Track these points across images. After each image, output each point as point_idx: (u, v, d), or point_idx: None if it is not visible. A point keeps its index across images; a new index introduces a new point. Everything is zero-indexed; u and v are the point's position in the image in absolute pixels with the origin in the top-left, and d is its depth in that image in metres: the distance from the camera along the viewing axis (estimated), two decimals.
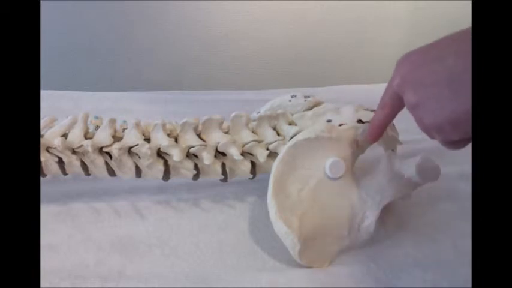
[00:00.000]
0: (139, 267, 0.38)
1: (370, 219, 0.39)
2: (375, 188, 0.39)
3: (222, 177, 0.44)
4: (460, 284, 0.37)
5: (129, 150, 0.42)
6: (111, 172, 0.44)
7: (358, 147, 0.41)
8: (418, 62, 0.30)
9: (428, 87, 0.29)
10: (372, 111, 0.44)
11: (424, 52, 0.31)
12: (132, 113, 0.64)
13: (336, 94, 0.79)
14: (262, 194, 0.40)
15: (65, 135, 0.42)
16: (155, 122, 0.42)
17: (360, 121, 0.42)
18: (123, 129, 0.43)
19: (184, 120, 0.42)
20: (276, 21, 0.98)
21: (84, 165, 0.43)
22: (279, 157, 0.40)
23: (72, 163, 0.43)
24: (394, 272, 0.38)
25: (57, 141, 0.40)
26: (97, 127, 0.43)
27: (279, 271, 0.38)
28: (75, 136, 0.42)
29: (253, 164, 0.44)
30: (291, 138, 0.42)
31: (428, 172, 0.37)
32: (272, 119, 0.45)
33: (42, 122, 0.43)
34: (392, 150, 0.45)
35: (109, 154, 0.42)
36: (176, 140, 0.42)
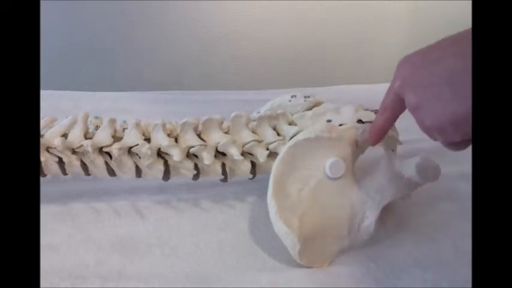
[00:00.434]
0: (139, 267, 0.38)
1: (370, 219, 0.39)
2: (375, 188, 0.39)
3: (222, 177, 0.44)
4: (460, 284, 0.37)
5: (129, 150, 0.42)
6: (111, 172, 0.44)
7: (358, 147, 0.41)
8: (418, 63, 0.30)
9: (429, 89, 0.29)
10: (372, 111, 0.44)
11: (424, 54, 0.31)
12: (132, 113, 0.64)
13: (336, 94, 0.79)
14: (262, 194, 0.40)
15: (65, 135, 0.42)
16: (155, 122, 0.42)
17: (360, 121, 0.42)
18: (123, 129, 0.43)
19: (184, 120, 0.42)
20: (276, 21, 0.98)
21: (84, 165, 0.43)
22: (279, 157, 0.40)
23: (72, 163, 0.43)
24: (394, 272, 0.38)
25: (57, 141, 0.40)
26: (97, 127, 0.43)
27: (279, 271, 0.38)
28: (75, 136, 0.42)
29: (253, 164, 0.44)
30: (291, 138, 0.42)
31: (428, 172, 0.37)
32: (272, 119, 0.45)
33: (42, 122, 0.43)
34: (392, 150, 0.45)
35: (109, 154, 0.42)
36: (176, 140, 0.42)
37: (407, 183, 0.38)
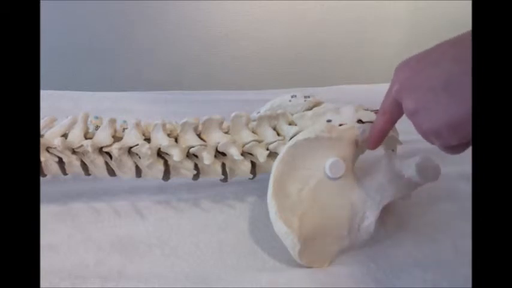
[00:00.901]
0: (139, 267, 0.38)
1: (370, 219, 0.39)
2: (375, 188, 0.39)
3: (222, 177, 0.44)
4: (460, 284, 0.37)
5: (129, 150, 0.42)
6: (111, 172, 0.44)
7: (358, 147, 0.41)
8: (415, 68, 0.31)
9: (426, 93, 0.29)
10: (372, 111, 0.44)
11: (421, 58, 0.31)
12: (132, 113, 0.64)
13: (336, 94, 0.79)
14: (262, 194, 0.40)
15: (65, 135, 0.42)
16: (155, 122, 0.42)
17: (360, 121, 0.42)
18: (123, 129, 0.43)
19: (184, 120, 0.42)
20: (276, 21, 0.98)
21: (84, 165, 0.43)
22: (279, 157, 0.40)
23: (72, 163, 0.43)
24: (394, 272, 0.38)
25: (57, 141, 0.40)
26: (97, 127, 0.43)
27: (279, 271, 0.38)
28: (75, 136, 0.42)
29: (253, 164, 0.44)
30: (291, 138, 0.42)
31: (428, 172, 0.37)
32: (272, 119, 0.45)
33: (42, 122, 0.43)
34: (392, 150, 0.45)
35: (109, 154, 0.42)
36: (176, 140, 0.42)
37: (407, 183, 0.38)
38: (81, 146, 0.41)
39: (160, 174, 0.43)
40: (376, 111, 0.43)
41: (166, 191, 0.48)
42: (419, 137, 0.33)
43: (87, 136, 0.42)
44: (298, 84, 0.87)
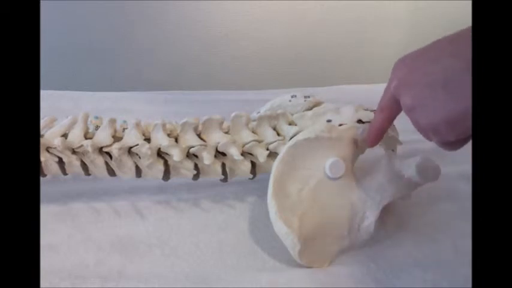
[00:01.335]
0: (139, 267, 0.38)
1: (370, 219, 0.39)
2: (375, 188, 0.39)
3: (222, 177, 0.44)
4: (460, 284, 0.37)
5: (129, 150, 0.42)
6: (111, 172, 0.44)
7: (358, 147, 0.41)
8: (413, 64, 0.31)
9: (424, 89, 0.29)
10: (372, 111, 0.44)
11: (419, 55, 0.31)
12: (132, 113, 0.64)
13: (336, 94, 0.79)
14: (262, 194, 0.40)
15: (65, 135, 0.42)
16: (155, 122, 0.42)
17: (360, 121, 0.42)
18: (123, 129, 0.43)
19: (184, 120, 0.42)
20: (276, 21, 0.98)
21: (84, 165, 0.43)
22: (279, 157, 0.40)
23: (72, 163, 0.43)
24: (394, 272, 0.38)
25: (57, 141, 0.40)
26: (97, 127, 0.43)
27: (279, 271, 0.38)
28: (75, 136, 0.42)
29: (253, 164, 0.44)
30: (291, 138, 0.42)
31: (428, 172, 0.37)
32: (272, 119, 0.45)
33: (42, 122, 0.43)
34: (392, 150, 0.45)
35: (109, 154, 0.42)
36: (176, 140, 0.42)
37: (407, 183, 0.38)
38: (81, 146, 0.41)
39: (160, 174, 0.43)
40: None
41: (166, 191, 0.48)
42: (419, 137, 0.33)
43: (87, 136, 0.42)
44: (298, 84, 0.87)
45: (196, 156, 0.43)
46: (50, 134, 0.42)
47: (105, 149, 0.42)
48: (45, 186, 0.46)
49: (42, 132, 0.42)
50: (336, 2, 0.98)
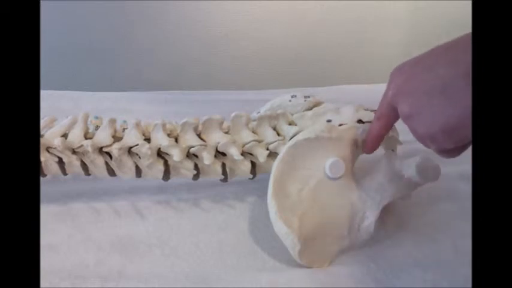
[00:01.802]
0: (139, 267, 0.38)
1: (370, 219, 0.39)
2: (375, 188, 0.39)
3: (222, 177, 0.44)
4: (460, 284, 0.37)
5: (129, 150, 0.42)
6: (111, 172, 0.44)
7: (358, 147, 0.41)
8: (410, 72, 0.31)
9: (421, 97, 0.29)
10: (372, 111, 0.44)
11: (416, 62, 0.31)
12: (132, 113, 0.64)
13: (336, 94, 0.79)
14: (262, 194, 0.40)
15: (65, 135, 0.42)
16: (155, 122, 0.42)
17: (360, 121, 0.42)
18: (123, 129, 0.43)
19: (184, 120, 0.42)
20: (276, 21, 0.98)
21: (84, 165, 0.43)
22: (279, 157, 0.40)
23: (72, 163, 0.43)
24: (394, 272, 0.38)
25: (57, 141, 0.40)
26: (97, 127, 0.43)
27: (279, 271, 0.38)
28: (75, 136, 0.42)
29: (253, 164, 0.44)
30: (291, 138, 0.42)
31: (428, 172, 0.37)
32: (272, 119, 0.45)
33: (42, 122, 0.43)
34: (392, 150, 0.45)
35: (109, 154, 0.42)
36: (176, 140, 0.42)
37: (407, 183, 0.38)
38: (81, 146, 0.41)
39: (160, 174, 0.43)
40: (376, 112, 0.43)
41: (166, 191, 0.48)
42: None
43: (87, 136, 0.42)
44: (298, 84, 0.87)
45: (196, 156, 0.43)
46: (50, 134, 0.42)
47: (105, 149, 0.42)
48: (45, 186, 0.46)
49: (42, 132, 0.42)
50: (336, 2, 0.98)
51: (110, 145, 0.41)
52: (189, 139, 0.42)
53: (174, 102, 0.74)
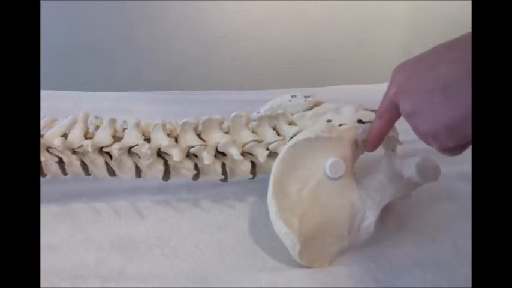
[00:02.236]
0: (139, 267, 0.38)
1: (370, 219, 0.39)
2: (375, 188, 0.39)
3: (222, 177, 0.44)
4: (460, 284, 0.37)
5: (129, 150, 0.42)
6: (111, 172, 0.44)
7: (358, 147, 0.41)
8: (412, 70, 0.31)
9: (423, 95, 0.29)
10: (372, 111, 0.44)
11: (418, 60, 0.31)
12: (132, 113, 0.64)
13: (336, 94, 0.79)
14: (262, 194, 0.40)
15: (65, 135, 0.42)
16: (155, 122, 0.42)
17: (360, 121, 0.42)
18: (123, 129, 0.43)
19: (184, 120, 0.42)
20: (276, 21, 0.98)
21: (84, 165, 0.43)
22: (279, 157, 0.40)
23: (72, 163, 0.43)
24: (394, 272, 0.38)
25: (57, 141, 0.40)
26: (97, 127, 0.43)
27: (279, 271, 0.38)
28: (75, 136, 0.42)
29: (253, 164, 0.44)
30: (291, 138, 0.42)
31: (428, 172, 0.37)
32: (272, 119, 0.45)
33: (42, 122, 0.43)
34: (392, 150, 0.45)
35: (109, 154, 0.42)
36: (176, 140, 0.42)
37: (407, 183, 0.38)
38: (81, 146, 0.41)
39: (160, 174, 0.43)
40: (376, 111, 0.43)
41: (166, 191, 0.48)
42: None
43: (87, 136, 0.42)
44: (298, 84, 0.87)
45: (196, 156, 0.43)
46: (50, 134, 0.42)
47: (105, 149, 0.42)
48: (45, 186, 0.46)
49: (42, 132, 0.42)
50: (336, 2, 0.98)
51: (110, 145, 0.41)
52: (189, 139, 0.42)
53: (174, 102, 0.74)
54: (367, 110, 0.44)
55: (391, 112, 0.34)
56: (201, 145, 0.42)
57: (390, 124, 0.36)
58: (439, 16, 1.03)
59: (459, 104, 0.27)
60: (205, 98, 0.77)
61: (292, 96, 0.50)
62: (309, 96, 0.49)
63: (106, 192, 0.47)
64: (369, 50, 1.07)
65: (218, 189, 0.48)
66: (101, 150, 0.42)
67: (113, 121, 0.43)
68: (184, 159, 0.42)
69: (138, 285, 0.36)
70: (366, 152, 0.43)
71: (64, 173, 0.44)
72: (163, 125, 0.42)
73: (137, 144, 0.41)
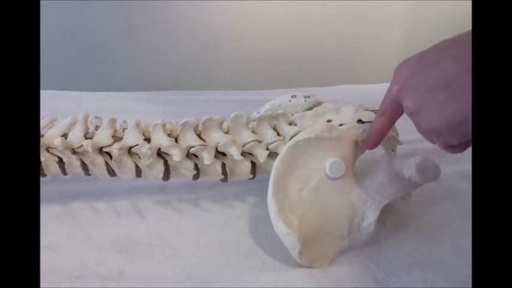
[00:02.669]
0: (140, 267, 0.38)
1: (370, 219, 0.39)
2: (375, 188, 0.39)
3: (222, 177, 0.44)
4: (460, 284, 0.37)
5: (129, 150, 0.42)
6: (111, 172, 0.44)
7: (358, 147, 0.41)
8: (415, 67, 0.31)
9: (426, 93, 0.29)
10: (372, 111, 0.44)
11: (420, 58, 0.31)
12: (132, 113, 0.64)
13: (336, 94, 0.79)
14: (262, 194, 0.40)
15: (65, 135, 0.42)
16: (155, 122, 0.42)
17: (360, 121, 0.42)
18: (123, 129, 0.43)
19: (184, 120, 0.42)
20: (276, 21, 0.98)
21: (84, 165, 0.43)
22: (279, 157, 0.40)
23: (72, 163, 0.43)
24: (394, 272, 0.38)
25: (57, 141, 0.40)
26: (97, 127, 0.43)
27: (279, 271, 0.38)
28: (75, 136, 0.42)
29: (253, 164, 0.44)
30: (291, 138, 0.42)
31: (429, 172, 0.37)
32: (272, 119, 0.45)
33: (42, 122, 0.43)
34: (393, 150, 0.45)
35: (109, 154, 0.42)
36: (176, 140, 0.42)
37: (407, 183, 0.38)
38: (81, 146, 0.41)
39: (160, 174, 0.43)
40: (376, 111, 0.43)
41: (166, 191, 0.48)
42: (419, 136, 0.33)
43: (87, 136, 0.42)
44: (298, 84, 0.87)
45: (196, 156, 0.43)
46: (50, 134, 0.42)
47: (105, 149, 0.42)
48: (45, 186, 0.46)
49: (42, 132, 0.42)
50: (336, 2, 0.98)
51: (110, 145, 0.41)
52: (189, 139, 0.42)
53: (174, 102, 0.74)
54: (367, 110, 0.44)
55: (393, 109, 0.34)
56: (201, 145, 0.42)
57: (392, 121, 0.36)
58: (439, 16, 1.03)
59: (462, 101, 0.27)
60: (205, 98, 0.77)
61: (292, 96, 0.50)
62: (309, 96, 0.49)
63: (106, 192, 0.47)
64: (369, 50, 1.07)
65: (218, 189, 0.48)
66: (101, 150, 0.42)
67: (113, 121, 0.43)
68: (184, 159, 0.42)
69: (138, 285, 0.36)
70: (366, 152, 0.43)
71: (64, 173, 0.44)
72: (163, 125, 0.42)
73: (137, 144, 0.41)
